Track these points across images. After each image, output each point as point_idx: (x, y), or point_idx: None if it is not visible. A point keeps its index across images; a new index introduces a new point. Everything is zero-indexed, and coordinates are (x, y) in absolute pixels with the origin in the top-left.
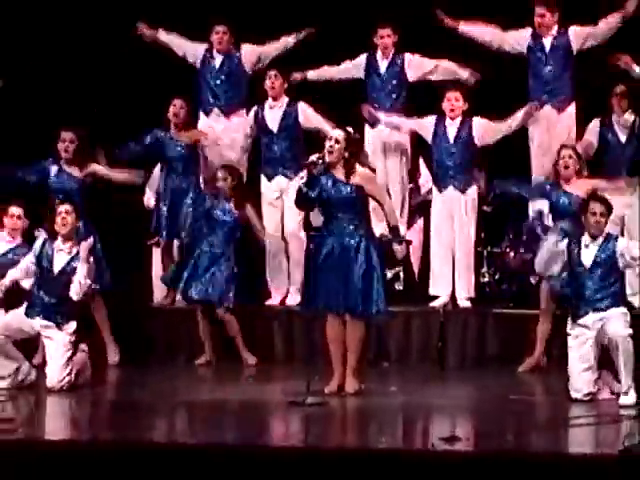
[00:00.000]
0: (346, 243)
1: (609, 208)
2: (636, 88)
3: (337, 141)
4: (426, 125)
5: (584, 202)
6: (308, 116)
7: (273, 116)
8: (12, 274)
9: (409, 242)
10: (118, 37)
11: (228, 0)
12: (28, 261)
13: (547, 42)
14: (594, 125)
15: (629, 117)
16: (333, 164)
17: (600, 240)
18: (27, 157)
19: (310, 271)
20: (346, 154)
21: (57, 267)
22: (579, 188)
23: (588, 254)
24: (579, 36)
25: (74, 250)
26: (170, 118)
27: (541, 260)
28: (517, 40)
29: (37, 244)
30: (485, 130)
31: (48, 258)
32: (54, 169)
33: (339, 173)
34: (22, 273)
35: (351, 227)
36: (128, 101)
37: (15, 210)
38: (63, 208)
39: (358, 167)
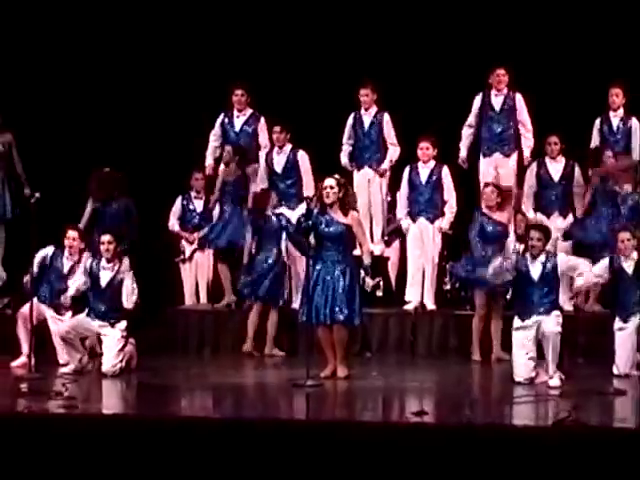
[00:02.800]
0: (332, 269)
1: (547, 233)
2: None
3: (331, 187)
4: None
5: (526, 229)
6: (304, 162)
7: (279, 160)
8: (73, 287)
9: (387, 258)
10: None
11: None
12: (81, 278)
13: (498, 102)
14: (533, 167)
15: (560, 160)
16: (331, 205)
17: (543, 257)
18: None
19: (306, 290)
20: (340, 194)
21: (104, 281)
22: (504, 217)
23: (535, 270)
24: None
25: (116, 267)
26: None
27: (491, 274)
28: None
29: (87, 264)
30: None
31: (96, 275)
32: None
33: (336, 212)
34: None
35: (337, 256)
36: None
37: (71, 233)
38: (106, 238)
39: (352, 211)
